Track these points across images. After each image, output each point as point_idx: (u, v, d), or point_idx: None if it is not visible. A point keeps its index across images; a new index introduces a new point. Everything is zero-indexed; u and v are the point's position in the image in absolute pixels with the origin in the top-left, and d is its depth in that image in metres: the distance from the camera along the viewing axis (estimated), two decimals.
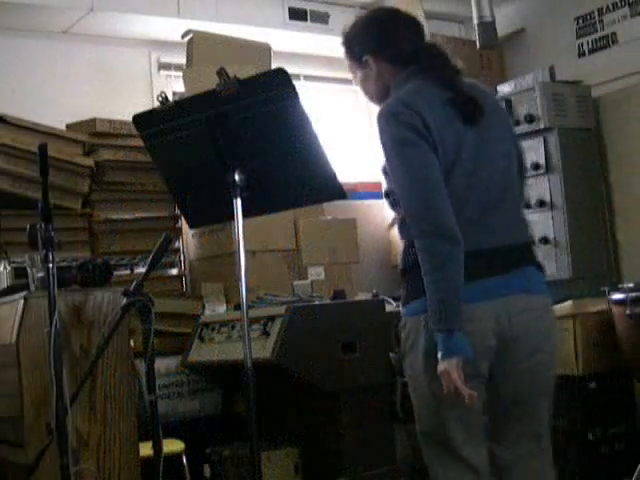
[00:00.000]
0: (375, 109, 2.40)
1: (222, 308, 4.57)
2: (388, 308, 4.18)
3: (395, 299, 4.22)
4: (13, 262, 3.50)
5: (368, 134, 5.95)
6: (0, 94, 4.73)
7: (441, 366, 2.20)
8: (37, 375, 2.75)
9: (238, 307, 4.06)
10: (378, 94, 2.49)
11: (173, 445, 3.68)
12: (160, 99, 2.58)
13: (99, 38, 5.24)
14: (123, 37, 5.31)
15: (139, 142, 2.79)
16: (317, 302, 4.21)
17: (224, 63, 2.60)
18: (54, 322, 2.50)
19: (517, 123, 5.01)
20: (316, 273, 4.83)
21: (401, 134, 2.26)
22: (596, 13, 5.48)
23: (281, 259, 4.84)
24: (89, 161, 4.57)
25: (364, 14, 2.60)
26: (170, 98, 2.59)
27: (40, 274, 2.82)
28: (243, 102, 2.43)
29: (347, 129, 6.14)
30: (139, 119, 2.70)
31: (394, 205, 2.40)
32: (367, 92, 2.55)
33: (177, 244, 4.97)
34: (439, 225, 2.20)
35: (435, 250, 2.20)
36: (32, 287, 2.91)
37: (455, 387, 2.19)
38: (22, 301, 2.81)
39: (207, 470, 4.13)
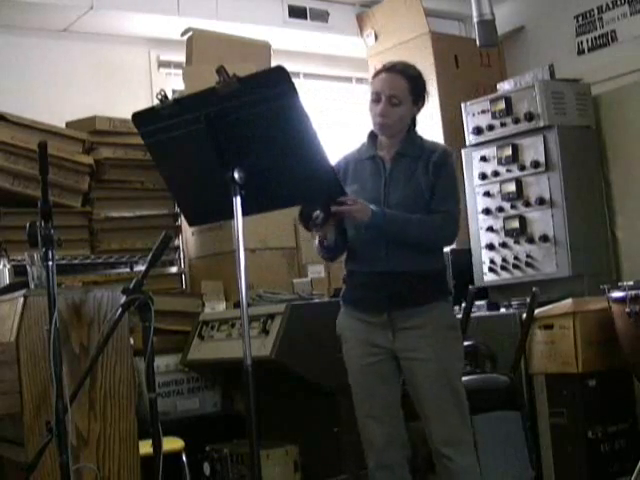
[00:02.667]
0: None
1: (222, 306, 4.57)
2: None
3: None
4: (13, 260, 3.50)
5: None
6: None
7: None
8: (37, 373, 2.74)
9: (238, 305, 4.06)
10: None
11: (173, 443, 3.68)
12: (160, 97, 2.58)
13: (99, 36, 5.24)
14: (123, 35, 5.30)
15: (139, 140, 2.78)
16: (317, 300, 4.22)
17: (224, 61, 2.60)
18: (54, 320, 2.50)
19: (517, 121, 5.01)
20: (316, 271, 4.83)
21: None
22: (596, 11, 5.48)
23: (281, 257, 4.84)
24: (89, 159, 4.57)
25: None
26: (169, 96, 2.59)
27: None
28: (243, 100, 2.42)
29: (346, 127, 6.14)
30: (138, 117, 2.70)
31: None
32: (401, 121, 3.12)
33: (177, 242, 4.98)
34: None
35: None
36: (32, 285, 2.91)
37: None
38: (22, 299, 2.80)
39: (207, 468, 4.14)
